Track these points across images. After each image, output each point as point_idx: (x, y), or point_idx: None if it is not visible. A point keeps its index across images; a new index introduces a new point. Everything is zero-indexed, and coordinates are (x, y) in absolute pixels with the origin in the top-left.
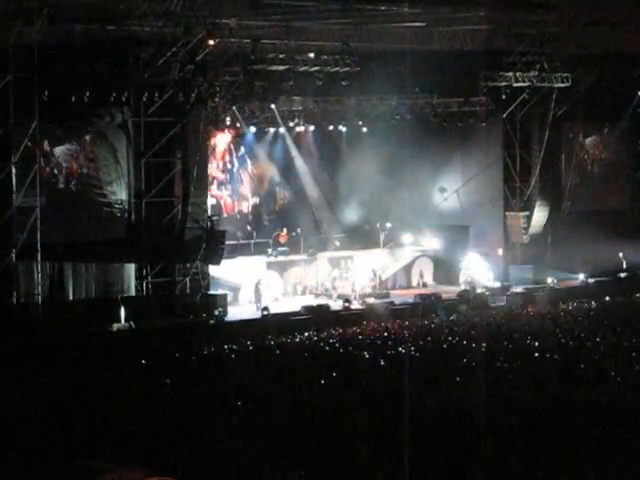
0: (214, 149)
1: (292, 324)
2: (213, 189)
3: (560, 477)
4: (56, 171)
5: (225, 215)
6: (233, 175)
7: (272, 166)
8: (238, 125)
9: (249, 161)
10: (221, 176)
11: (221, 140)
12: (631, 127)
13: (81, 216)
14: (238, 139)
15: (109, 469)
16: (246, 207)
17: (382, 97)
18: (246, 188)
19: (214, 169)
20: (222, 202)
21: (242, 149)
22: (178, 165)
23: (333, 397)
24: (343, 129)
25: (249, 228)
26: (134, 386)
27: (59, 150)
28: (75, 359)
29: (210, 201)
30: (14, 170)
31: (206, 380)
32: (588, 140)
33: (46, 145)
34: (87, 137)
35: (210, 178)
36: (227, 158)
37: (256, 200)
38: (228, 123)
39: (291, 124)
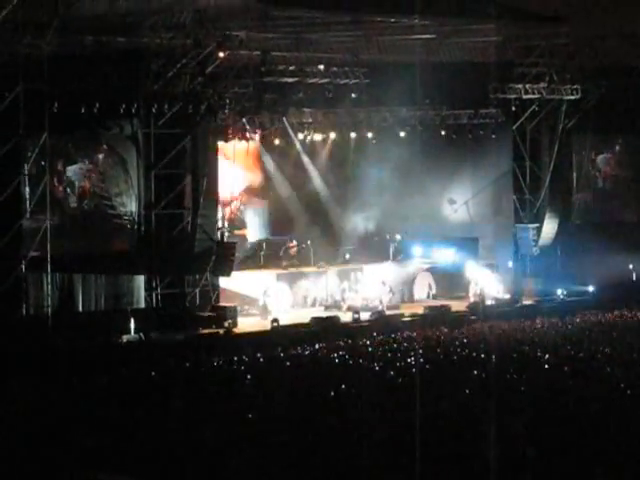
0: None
1: (302, 336)
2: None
3: None
4: (68, 190)
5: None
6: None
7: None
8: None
9: None
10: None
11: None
12: None
13: (91, 228)
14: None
15: None
16: None
17: (392, 109)
18: None
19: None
20: None
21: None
22: (188, 177)
23: (343, 409)
24: (353, 141)
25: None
26: (143, 398)
27: (71, 169)
28: (84, 371)
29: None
30: (26, 181)
31: (215, 392)
32: (600, 158)
33: (60, 165)
34: (100, 155)
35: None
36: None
37: None
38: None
39: (301, 136)
